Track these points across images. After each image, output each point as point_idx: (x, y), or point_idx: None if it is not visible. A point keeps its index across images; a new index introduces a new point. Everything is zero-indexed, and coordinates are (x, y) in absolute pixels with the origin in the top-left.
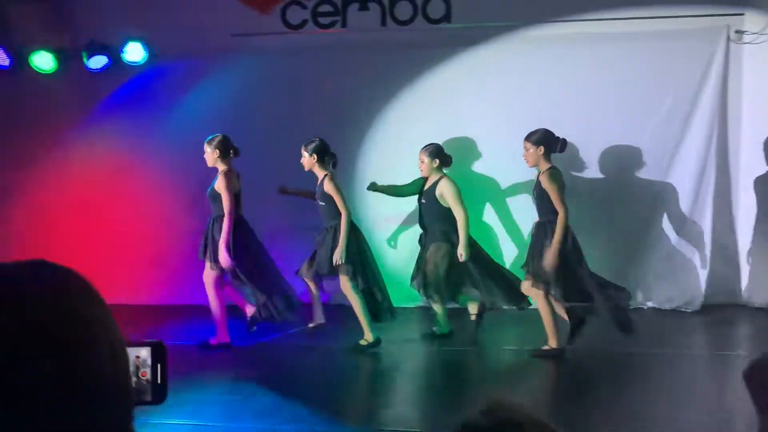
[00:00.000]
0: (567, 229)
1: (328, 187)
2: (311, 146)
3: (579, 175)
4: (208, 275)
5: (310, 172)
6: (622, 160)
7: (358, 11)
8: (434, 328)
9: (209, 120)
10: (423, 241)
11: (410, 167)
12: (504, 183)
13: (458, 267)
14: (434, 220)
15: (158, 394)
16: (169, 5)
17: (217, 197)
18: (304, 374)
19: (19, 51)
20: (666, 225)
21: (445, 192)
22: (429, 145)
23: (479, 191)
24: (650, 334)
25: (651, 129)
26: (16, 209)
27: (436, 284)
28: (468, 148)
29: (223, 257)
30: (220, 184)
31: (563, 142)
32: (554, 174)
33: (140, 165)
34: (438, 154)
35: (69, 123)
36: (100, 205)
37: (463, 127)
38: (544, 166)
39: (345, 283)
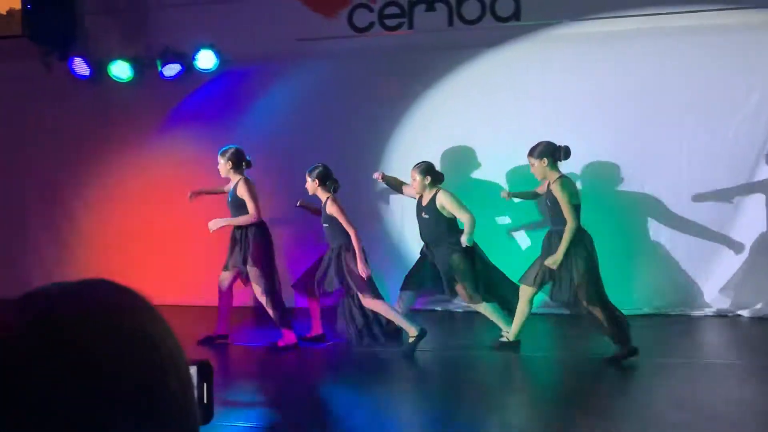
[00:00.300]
0: (576, 236)
1: (332, 209)
2: (315, 172)
3: (655, 174)
4: (225, 279)
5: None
6: (703, 159)
7: (425, 12)
8: (502, 335)
9: (278, 124)
10: (427, 254)
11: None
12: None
13: (485, 266)
14: (443, 232)
15: (205, 414)
16: (238, 13)
17: (240, 205)
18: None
19: (98, 61)
20: (747, 226)
21: (446, 202)
22: (420, 163)
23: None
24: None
25: (735, 127)
26: (96, 214)
27: (473, 288)
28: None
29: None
30: (242, 191)
31: (566, 150)
32: (563, 183)
33: (213, 170)
34: (429, 171)
35: (145, 130)
36: (177, 209)
37: (534, 128)
38: (553, 176)
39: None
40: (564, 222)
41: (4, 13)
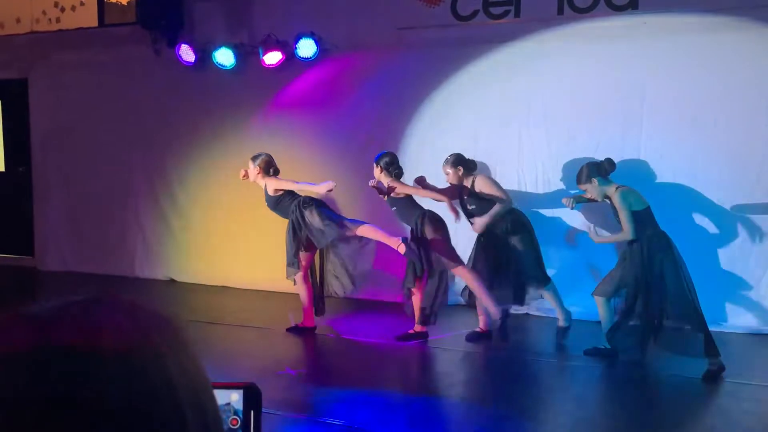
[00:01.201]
0: (662, 242)
1: (401, 190)
2: (383, 161)
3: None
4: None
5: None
6: None
7: None
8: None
9: (377, 113)
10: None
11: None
12: None
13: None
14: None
15: None
16: (339, 1)
17: (277, 200)
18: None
19: (203, 48)
20: None
21: (483, 186)
22: (449, 156)
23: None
24: None
25: None
26: (197, 198)
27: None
28: (651, 139)
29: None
30: (273, 186)
31: (609, 162)
32: (623, 195)
33: (312, 157)
34: (460, 162)
35: (246, 116)
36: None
37: (651, 121)
38: (611, 191)
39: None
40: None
41: (125, 3)
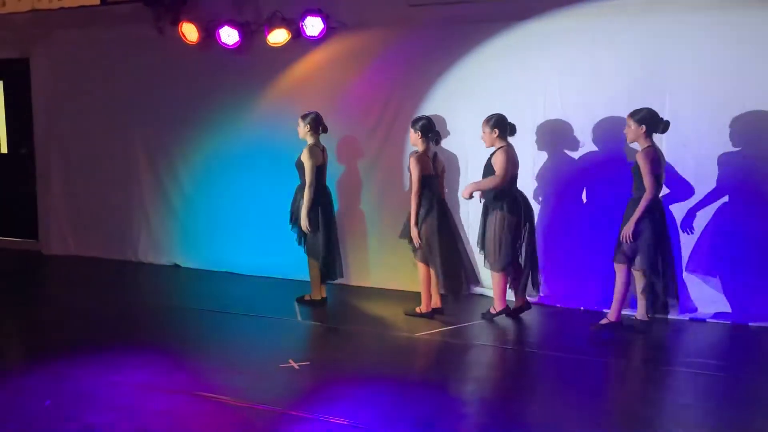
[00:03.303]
0: (652, 204)
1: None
2: (418, 124)
3: None
4: None
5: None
6: None
7: None
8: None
9: (386, 91)
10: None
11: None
12: None
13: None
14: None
15: None
16: None
17: (300, 167)
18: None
19: (207, 26)
20: None
21: (496, 159)
22: (489, 116)
23: None
24: None
25: None
26: (199, 177)
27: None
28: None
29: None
30: (305, 155)
31: (666, 124)
32: (649, 152)
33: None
34: (497, 124)
35: (251, 96)
36: (285, 173)
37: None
38: (644, 144)
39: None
40: (642, 189)
41: None
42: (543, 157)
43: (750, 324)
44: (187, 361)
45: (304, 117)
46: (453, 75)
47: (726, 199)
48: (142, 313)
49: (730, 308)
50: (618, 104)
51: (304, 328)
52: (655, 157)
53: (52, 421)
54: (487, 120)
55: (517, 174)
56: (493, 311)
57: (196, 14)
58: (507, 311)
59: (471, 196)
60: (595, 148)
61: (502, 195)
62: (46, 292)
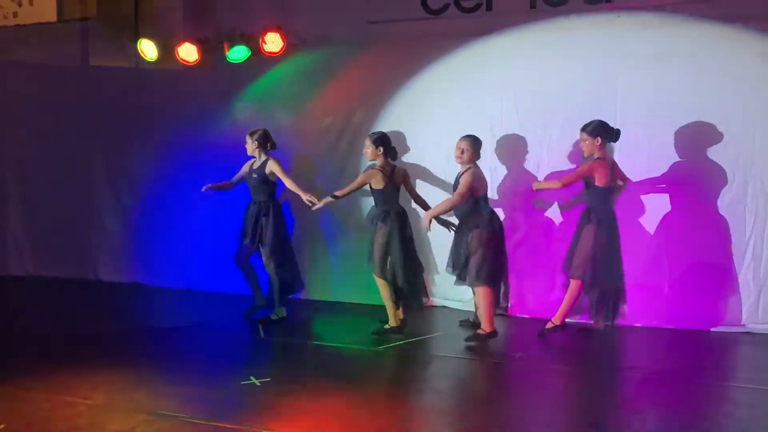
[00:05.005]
0: (598, 212)
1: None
2: (373, 138)
3: None
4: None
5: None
6: None
7: None
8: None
9: (348, 108)
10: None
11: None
12: None
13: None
14: (464, 211)
15: None
16: None
17: (267, 181)
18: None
19: (165, 44)
20: None
21: (463, 178)
22: (466, 136)
23: None
24: None
25: None
26: (161, 194)
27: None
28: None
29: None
30: (276, 168)
31: (617, 132)
32: (597, 163)
33: (280, 154)
34: (477, 144)
35: (211, 112)
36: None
37: (625, 115)
38: (598, 155)
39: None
40: (594, 202)
41: None
42: (502, 171)
43: (684, 329)
44: (147, 380)
45: (251, 134)
46: (412, 91)
47: (669, 208)
48: (101, 333)
49: (669, 314)
50: (572, 118)
51: (266, 344)
52: (600, 168)
53: None
54: (464, 138)
55: (486, 193)
56: (482, 332)
57: (155, 31)
58: (495, 335)
59: (429, 228)
60: (553, 161)
61: (476, 213)
62: (2, 315)
